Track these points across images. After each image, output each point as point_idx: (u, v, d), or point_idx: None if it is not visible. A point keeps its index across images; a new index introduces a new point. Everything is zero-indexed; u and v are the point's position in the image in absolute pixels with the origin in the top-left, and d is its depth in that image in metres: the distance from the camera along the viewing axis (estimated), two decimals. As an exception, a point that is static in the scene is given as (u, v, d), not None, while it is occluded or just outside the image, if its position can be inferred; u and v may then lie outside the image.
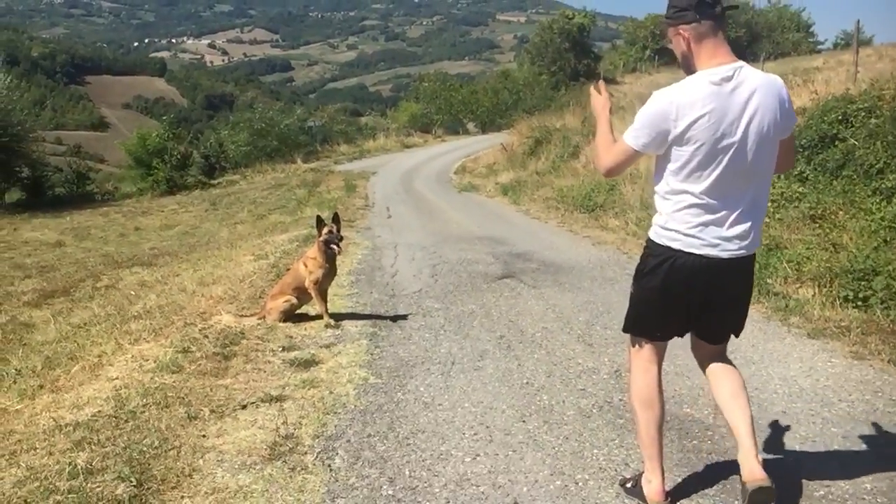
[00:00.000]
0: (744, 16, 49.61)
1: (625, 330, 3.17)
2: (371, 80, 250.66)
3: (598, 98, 3.21)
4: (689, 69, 2.87)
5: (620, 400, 4.37)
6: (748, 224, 2.85)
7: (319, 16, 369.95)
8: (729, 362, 3.14)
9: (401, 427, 4.06)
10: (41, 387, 5.16)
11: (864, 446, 3.69)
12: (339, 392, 4.61)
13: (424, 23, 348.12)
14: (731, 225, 2.82)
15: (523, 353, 5.32)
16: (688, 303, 2.96)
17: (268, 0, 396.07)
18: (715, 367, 3.13)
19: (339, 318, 6.34)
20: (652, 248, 2.98)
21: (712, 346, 3.15)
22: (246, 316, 6.42)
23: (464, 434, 3.94)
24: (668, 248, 2.89)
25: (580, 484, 3.35)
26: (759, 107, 2.75)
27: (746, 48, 44.31)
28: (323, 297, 6.34)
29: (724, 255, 2.83)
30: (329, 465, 3.59)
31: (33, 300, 9.65)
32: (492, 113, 42.85)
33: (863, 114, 9.25)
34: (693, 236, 2.83)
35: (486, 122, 42.98)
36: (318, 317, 6.34)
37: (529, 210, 13.81)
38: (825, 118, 9.59)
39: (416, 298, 7.14)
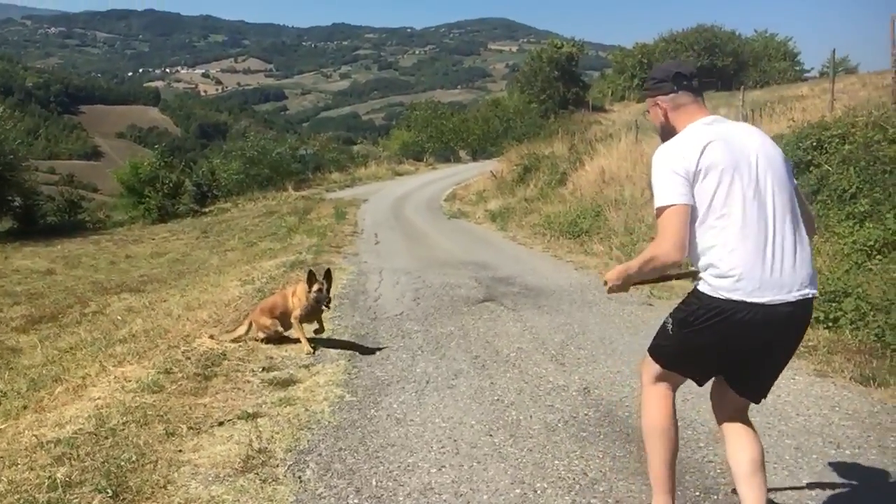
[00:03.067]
0: (730, 45, 50.37)
1: (663, 366, 2.93)
2: (364, 109, 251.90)
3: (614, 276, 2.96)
4: (669, 138, 2.86)
5: (586, 415, 4.52)
6: (799, 260, 2.69)
7: (313, 45, 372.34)
8: (751, 425, 2.94)
9: (371, 441, 4.19)
10: (25, 407, 5.28)
11: (814, 456, 3.84)
12: (315, 409, 4.74)
13: (417, 52, 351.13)
14: (783, 262, 2.66)
15: (496, 372, 5.46)
16: (741, 354, 2.79)
17: (262, 30, 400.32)
18: (737, 428, 2.91)
19: (319, 342, 6.44)
20: (703, 300, 2.74)
21: (742, 400, 2.92)
22: (229, 331, 6.56)
23: (431, 447, 4.07)
24: (723, 299, 2.67)
25: (539, 492, 3.49)
26: (755, 135, 2.81)
27: (733, 77, 44.97)
28: (303, 324, 6.45)
29: (791, 297, 2.65)
30: (299, 477, 3.72)
31: (21, 326, 9.78)
32: (483, 141, 43.40)
33: (836, 140, 9.49)
34: (747, 278, 2.63)
35: (477, 150, 43.45)
36: (300, 340, 6.48)
37: (516, 236, 14.01)
38: (800, 145, 9.82)
39: (396, 321, 7.28)
